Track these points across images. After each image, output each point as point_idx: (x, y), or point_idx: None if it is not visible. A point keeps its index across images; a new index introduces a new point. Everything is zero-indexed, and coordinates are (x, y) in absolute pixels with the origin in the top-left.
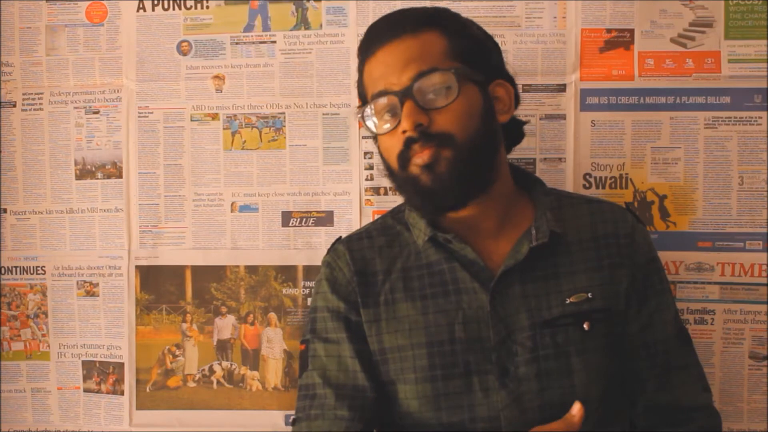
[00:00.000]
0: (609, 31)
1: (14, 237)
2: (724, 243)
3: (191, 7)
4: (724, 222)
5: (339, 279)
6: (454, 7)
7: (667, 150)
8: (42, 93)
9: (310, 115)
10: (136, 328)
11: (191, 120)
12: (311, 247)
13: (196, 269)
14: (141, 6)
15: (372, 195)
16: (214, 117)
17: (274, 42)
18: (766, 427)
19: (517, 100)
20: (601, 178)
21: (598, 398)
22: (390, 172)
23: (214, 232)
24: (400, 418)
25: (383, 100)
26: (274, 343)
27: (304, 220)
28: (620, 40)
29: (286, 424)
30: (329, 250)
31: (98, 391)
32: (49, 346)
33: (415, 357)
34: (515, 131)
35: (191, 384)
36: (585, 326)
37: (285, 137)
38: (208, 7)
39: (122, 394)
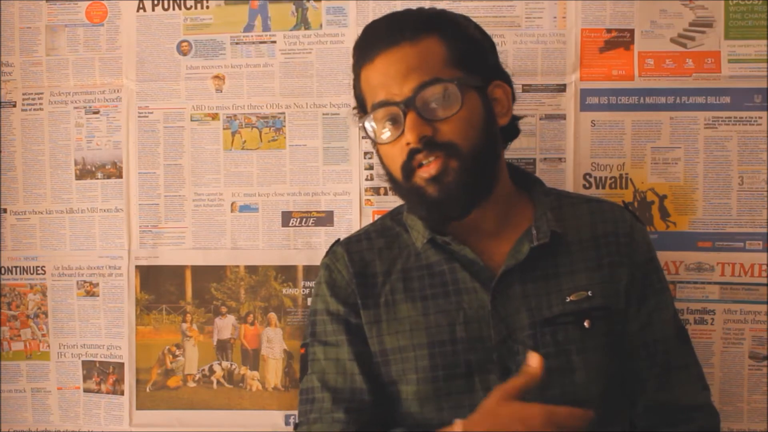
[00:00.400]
0: (609, 31)
1: (14, 237)
2: (724, 243)
3: (191, 7)
4: (724, 222)
5: (338, 281)
6: (454, 7)
7: (667, 150)
8: (42, 93)
9: (310, 115)
10: (136, 328)
11: (191, 120)
12: (311, 247)
13: (196, 269)
14: (141, 6)
15: (372, 195)
16: (214, 117)
17: (274, 42)
18: (766, 427)
19: (513, 99)
20: (601, 178)
21: (599, 397)
22: (392, 181)
23: (214, 232)
24: (403, 418)
25: (383, 110)
26: (274, 343)
27: (304, 220)
28: (620, 40)
29: (286, 424)
30: (328, 252)
31: (98, 391)
32: (49, 346)
33: (417, 358)
34: (512, 128)
35: (191, 384)
36: (585, 324)
37: (285, 137)
38: (208, 7)
39: (122, 394)
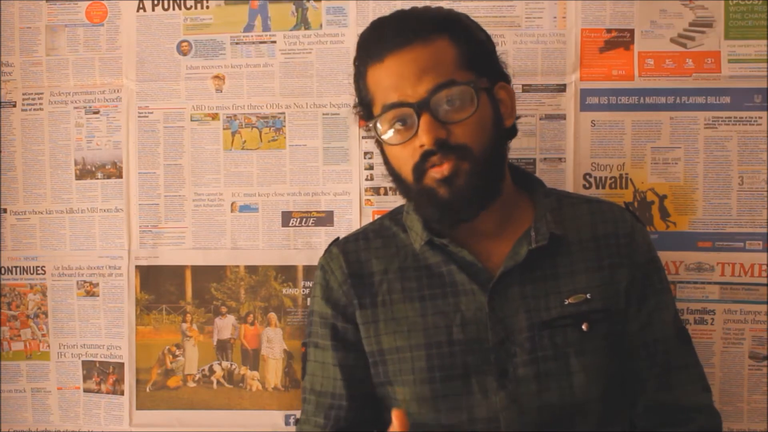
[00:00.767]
0: (609, 31)
1: (14, 237)
2: (724, 243)
3: (191, 7)
4: (724, 222)
5: (331, 283)
6: (455, 7)
7: (667, 150)
8: (42, 93)
9: (310, 115)
10: (136, 328)
11: (191, 120)
12: (311, 247)
13: (196, 269)
14: (141, 6)
15: (372, 195)
16: (214, 117)
17: (274, 42)
18: (766, 427)
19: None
20: (601, 178)
21: (598, 398)
22: (399, 181)
23: (214, 232)
24: None
25: (393, 110)
26: (274, 343)
27: (304, 220)
28: (620, 40)
29: (286, 424)
30: (324, 253)
31: (98, 391)
32: (49, 346)
33: (414, 358)
34: (512, 128)
35: (191, 384)
36: (584, 327)
37: (285, 137)
38: (208, 7)
39: (122, 394)
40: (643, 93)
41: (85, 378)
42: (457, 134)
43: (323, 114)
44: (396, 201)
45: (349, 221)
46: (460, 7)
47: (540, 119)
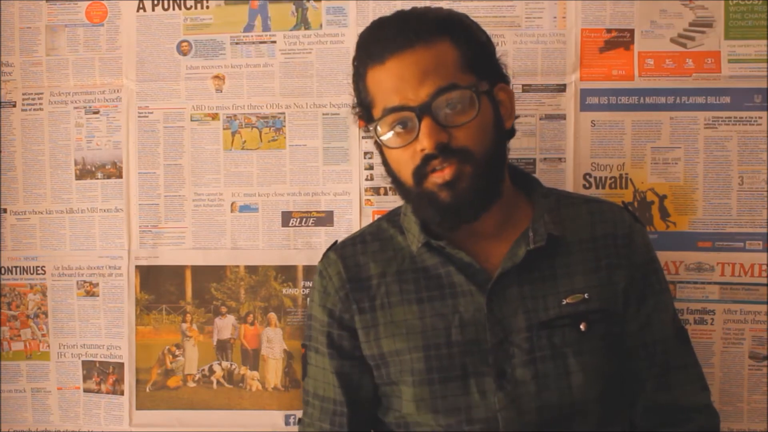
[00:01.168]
0: (609, 31)
1: (14, 237)
2: (724, 243)
3: (191, 7)
4: (724, 222)
5: (328, 289)
6: (455, 7)
7: (667, 150)
8: (42, 93)
9: (310, 115)
10: (136, 328)
11: (191, 120)
12: (311, 247)
13: (196, 269)
14: (141, 6)
15: (372, 195)
16: (214, 117)
17: (274, 42)
18: (766, 427)
19: None
20: (601, 178)
21: (597, 399)
22: (398, 184)
23: (214, 232)
24: (400, 419)
25: (394, 114)
26: (274, 343)
27: (304, 220)
28: (620, 40)
29: (286, 424)
30: (322, 258)
31: (98, 391)
32: (49, 346)
33: (413, 360)
34: (511, 129)
35: (191, 384)
36: (582, 327)
37: (285, 137)
38: (208, 7)
39: (122, 394)
40: (643, 93)
41: (85, 378)
42: (458, 138)
43: (323, 114)
44: (396, 201)
45: (349, 221)
46: (460, 7)
47: (540, 119)
